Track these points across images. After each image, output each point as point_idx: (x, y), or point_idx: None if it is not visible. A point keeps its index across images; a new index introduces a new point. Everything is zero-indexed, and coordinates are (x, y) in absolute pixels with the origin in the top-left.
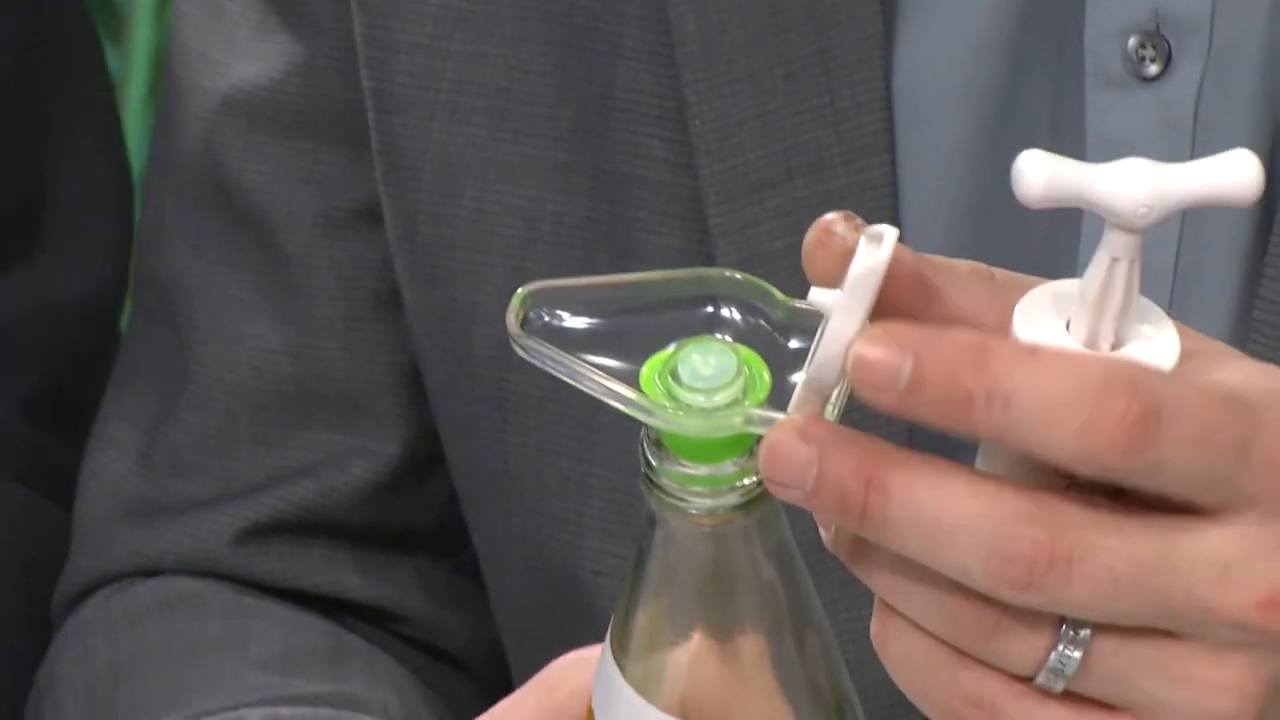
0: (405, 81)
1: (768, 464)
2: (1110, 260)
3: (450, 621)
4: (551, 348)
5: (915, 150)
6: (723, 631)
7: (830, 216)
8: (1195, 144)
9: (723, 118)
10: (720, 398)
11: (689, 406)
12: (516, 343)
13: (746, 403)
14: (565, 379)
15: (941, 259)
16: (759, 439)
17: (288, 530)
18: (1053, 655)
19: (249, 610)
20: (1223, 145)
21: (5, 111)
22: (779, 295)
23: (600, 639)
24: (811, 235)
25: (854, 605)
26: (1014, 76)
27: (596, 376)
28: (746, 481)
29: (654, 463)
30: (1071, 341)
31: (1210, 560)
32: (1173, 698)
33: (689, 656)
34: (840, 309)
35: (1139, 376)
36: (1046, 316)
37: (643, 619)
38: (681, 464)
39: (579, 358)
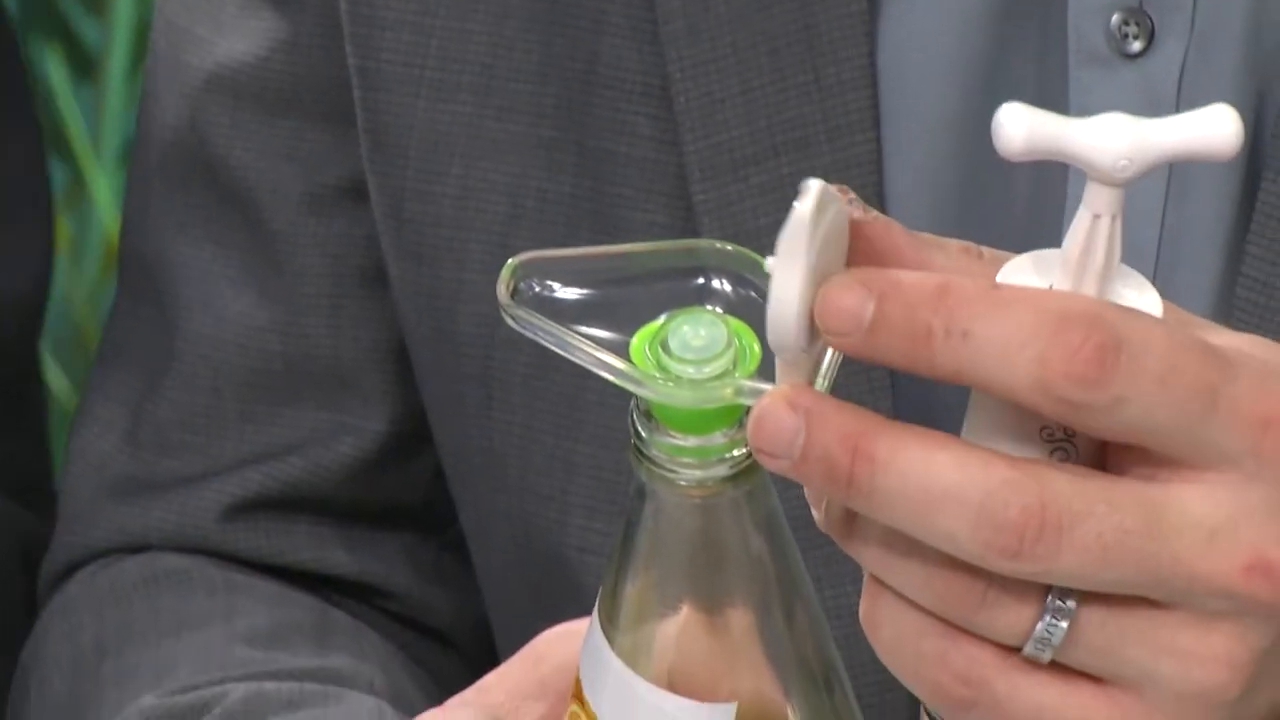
0: (390, 59)
1: (756, 433)
2: (1092, 217)
3: (437, 598)
4: (541, 318)
5: (900, 126)
6: (711, 603)
7: (827, 188)
8: None
9: (707, 94)
10: (710, 369)
11: (679, 378)
12: (507, 312)
13: (736, 374)
14: (555, 349)
15: (931, 236)
16: (749, 410)
17: (274, 507)
18: (1040, 625)
19: (235, 586)
20: None
21: None
22: (769, 267)
23: (586, 615)
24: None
25: (839, 584)
26: (998, 53)
27: (586, 347)
28: (736, 453)
29: (643, 434)
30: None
31: (1196, 526)
32: (1160, 669)
33: (677, 628)
34: (777, 270)
35: (1100, 311)
36: (1029, 279)
37: (631, 591)
38: (671, 435)
39: (569, 328)
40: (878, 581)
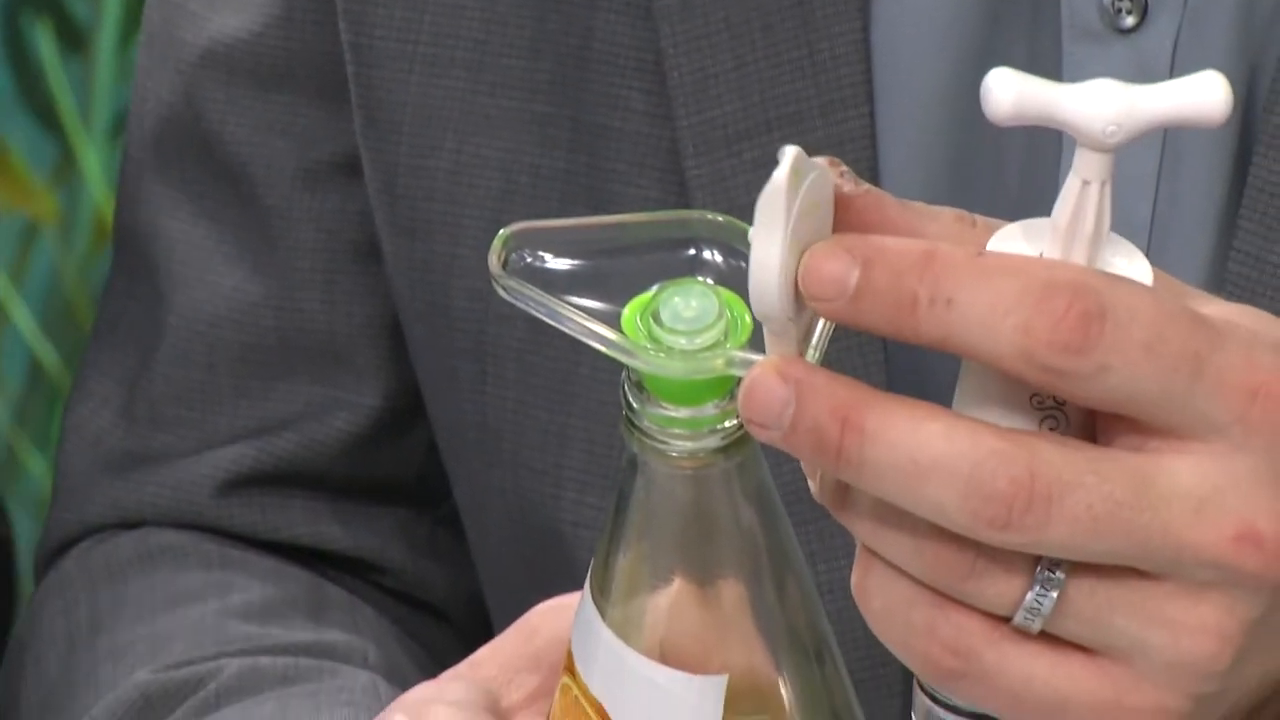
0: (384, 34)
1: (746, 403)
2: (1081, 184)
3: (431, 573)
4: (533, 288)
5: (894, 101)
6: (702, 575)
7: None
8: None
9: (700, 70)
10: (701, 340)
11: (670, 348)
12: (498, 283)
13: (728, 345)
14: (546, 320)
15: (924, 205)
16: (740, 382)
17: (269, 482)
18: (1029, 595)
19: (230, 561)
20: None
21: None
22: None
23: (580, 589)
24: None
25: (833, 558)
26: (991, 28)
27: (578, 317)
28: (727, 424)
29: (635, 405)
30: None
31: (1185, 496)
32: (1149, 639)
33: (668, 600)
34: (756, 237)
35: (1085, 279)
36: (1019, 247)
37: (623, 563)
38: (662, 406)
39: (560, 299)
40: (869, 552)
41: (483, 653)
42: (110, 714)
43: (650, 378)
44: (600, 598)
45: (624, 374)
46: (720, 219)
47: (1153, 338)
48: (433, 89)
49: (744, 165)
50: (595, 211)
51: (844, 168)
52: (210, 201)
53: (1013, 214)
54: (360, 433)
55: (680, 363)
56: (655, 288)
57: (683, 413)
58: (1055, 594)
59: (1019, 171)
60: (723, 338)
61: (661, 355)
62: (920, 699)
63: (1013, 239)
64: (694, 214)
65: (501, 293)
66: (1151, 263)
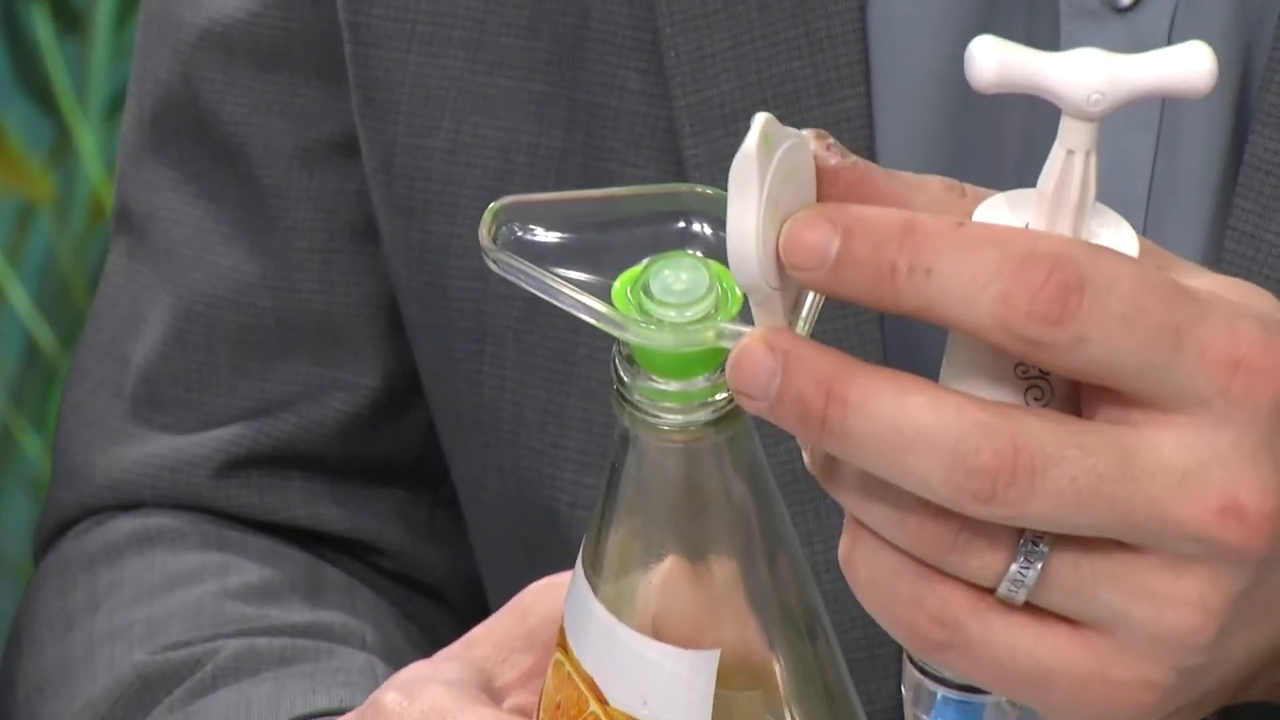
0: (381, 14)
1: (734, 373)
2: (1066, 153)
3: (429, 554)
4: (524, 262)
5: (890, 81)
6: (694, 550)
7: (803, 134)
8: None
9: (698, 49)
10: (692, 312)
11: (660, 321)
12: (489, 256)
13: (718, 317)
14: (537, 293)
15: (912, 175)
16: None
17: (267, 463)
18: (1013, 567)
19: (227, 543)
20: None
21: None
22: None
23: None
24: None
25: (829, 538)
26: (989, 7)
27: (568, 290)
28: (718, 397)
29: (626, 379)
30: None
31: (1169, 469)
32: (1133, 611)
33: (660, 575)
34: (731, 205)
35: (1065, 249)
36: (1004, 217)
37: (615, 538)
38: (653, 379)
39: (551, 272)
40: (857, 523)
41: (477, 632)
42: (108, 695)
43: (641, 351)
44: (592, 573)
45: (614, 348)
46: (710, 192)
47: (1132, 309)
48: (430, 68)
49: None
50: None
51: (831, 140)
52: (208, 181)
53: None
54: (358, 413)
55: (670, 335)
56: (645, 261)
57: (673, 386)
58: (1039, 566)
59: (1016, 150)
60: (713, 310)
61: (652, 328)
62: (910, 672)
63: (998, 209)
64: (684, 187)
65: (492, 266)
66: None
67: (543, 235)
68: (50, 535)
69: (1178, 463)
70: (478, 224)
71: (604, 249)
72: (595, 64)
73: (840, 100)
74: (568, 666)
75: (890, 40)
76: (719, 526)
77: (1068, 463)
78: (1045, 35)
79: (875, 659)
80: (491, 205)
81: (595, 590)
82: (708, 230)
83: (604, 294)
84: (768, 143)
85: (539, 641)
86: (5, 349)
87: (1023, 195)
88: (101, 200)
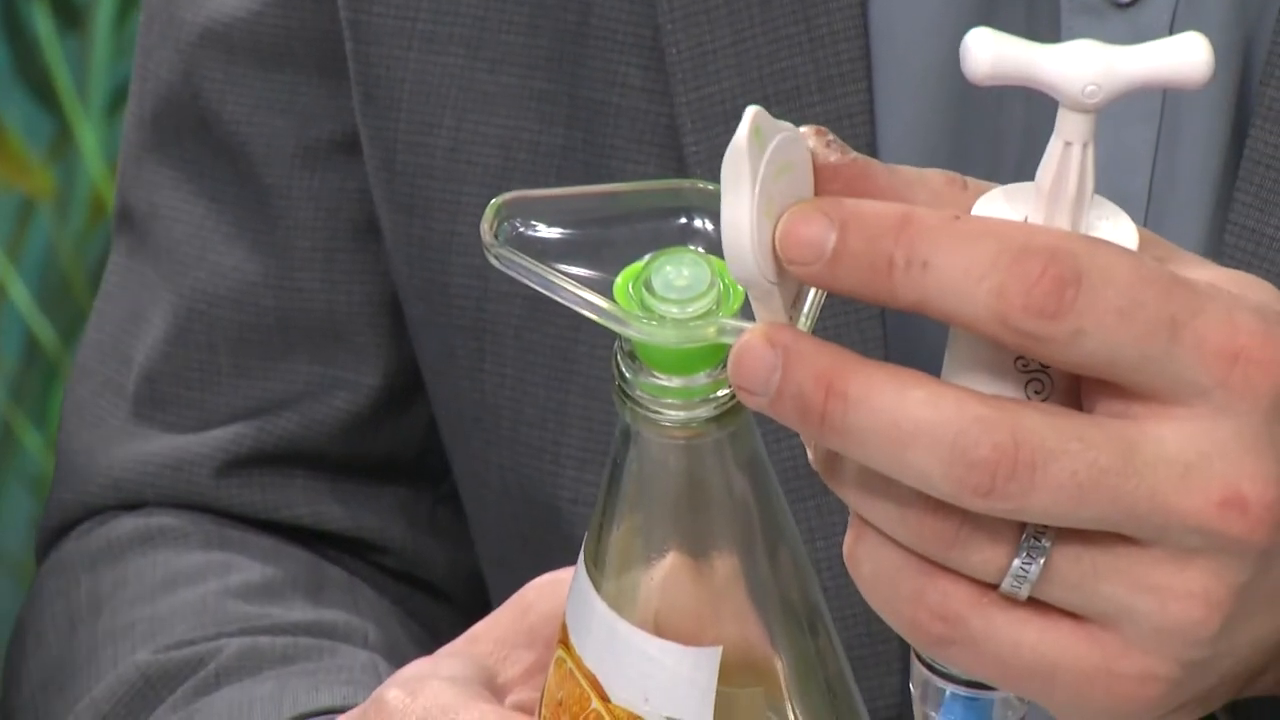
0: (382, 11)
1: (735, 368)
2: (1063, 145)
3: (431, 551)
4: (525, 257)
5: (891, 77)
6: (695, 546)
7: (802, 130)
8: None
9: (699, 45)
10: (693, 308)
11: (662, 317)
12: (490, 251)
13: (720, 313)
14: (539, 289)
15: (913, 170)
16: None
17: (269, 462)
18: (1015, 563)
19: (230, 541)
20: None
21: None
22: None
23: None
24: None
25: (831, 534)
26: (990, 3)
27: (570, 286)
28: (720, 393)
29: (628, 375)
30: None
31: (1171, 461)
32: (1136, 605)
33: (662, 572)
34: (724, 201)
35: (1061, 243)
36: (1002, 210)
37: (616, 535)
38: (655, 376)
39: (553, 268)
40: (861, 519)
41: (478, 628)
42: (111, 694)
43: (643, 347)
44: (594, 570)
45: (616, 344)
46: (711, 187)
47: (1128, 302)
48: (431, 66)
49: None
50: None
51: (831, 136)
52: (209, 180)
53: None
54: (360, 412)
55: (672, 331)
56: (647, 256)
57: (675, 382)
58: (1041, 561)
59: (1017, 146)
60: (714, 306)
61: (654, 324)
62: (918, 669)
63: (996, 202)
64: (685, 183)
65: (494, 261)
66: None
67: (544, 231)
68: (53, 535)
69: (1179, 455)
70: (479, 221)
71: (606, 245)
72: (596, 60)
73: (841, 96)
74: (569, 663)
75: (891, 36)
76: (721, 523)
77: (1069, 456)
78: (1046, 31)
79: (877, 655)
80: (493, 201)
81: (597, 587)
82: (709, 226)
83: (606, 290)
84: (759, 136)
85: (540, 637)
86: (5, 345)
87: (1022, 189)
88: (102, 196)
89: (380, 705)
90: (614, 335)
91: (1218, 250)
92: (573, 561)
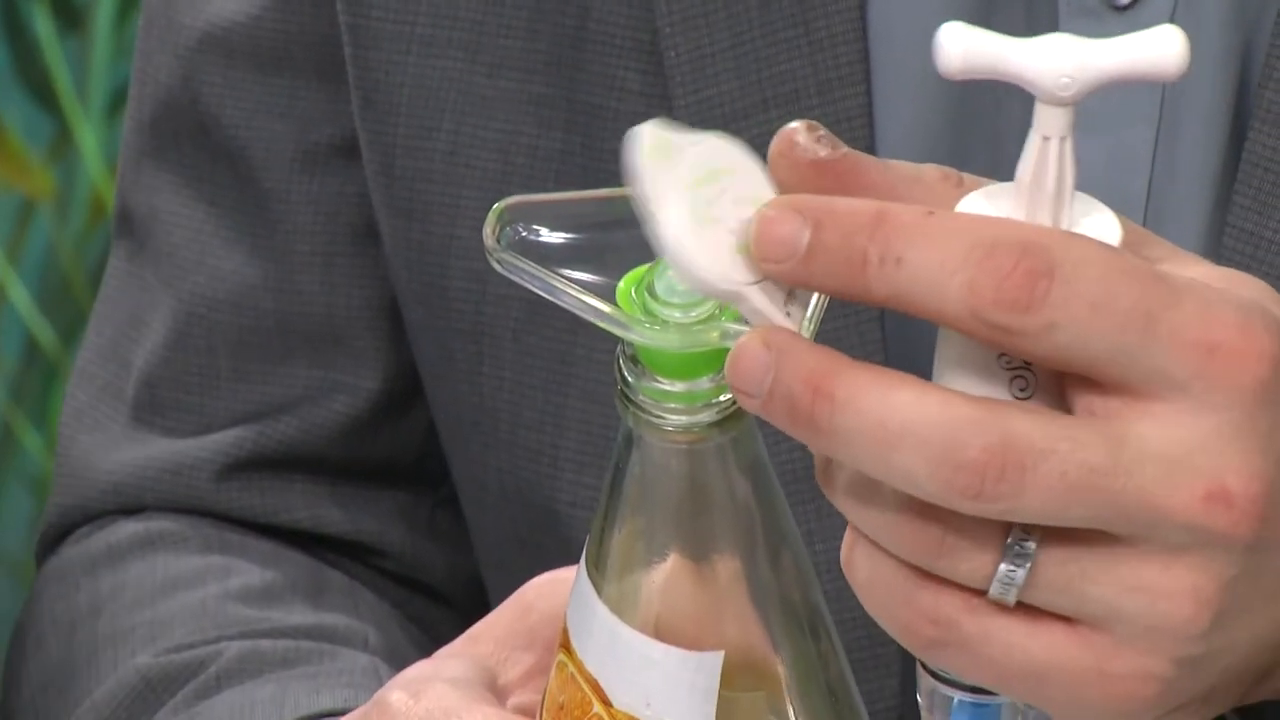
0: (381, 16)
1: (731, 370)
2: (1041, 139)
3: (431, 555)
4: (528, 262)
5: (890, 80)
6: (698, 550)
7: (793, 126)
8: None
9: (697, 49)
10: (696, 313)
11: (665, 321)
12: (492, 256)
13: (722, 318)
14: (541, 294)
15: (909, 165)
16: None
17: (269, 466)
18: (1001, 568)
19: (229, 545)
20: (1194, 74)
21: None
22: None
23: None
24: (774, 145)
25: (831, 537)
26: (988, 5)
27: (573, 291)
28: (722, 398)
29: (630, 379)
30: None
31: (1156, 458)
32: (1125, 605)
33: (664, 576)
34: (652, 224)
35: (1033, 236)
36: (983, 209)
37: (618, 538)
38: (658, 380)
39: (555, 272)
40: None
41: (478, 628)
42: (111, 698)
43: (645, 351)
44: (596, 574)
45: (619, 348)
46: None
47: (1102, 294)
48: (430, 70)
49: (770, 141)
50: None
51: (822, 132)
52: (209, 185)
53: None
54: (359, 416)
55: (675, 335)
56: (650, 261)
57: (678, 386)
58: (1027, 566)
59: (1016, 148)
60: (717, 310)
61: (656, 328)
62: (924, 678)
63: (977, 202)
64: None
65: (496, 266)
66: None
67: (547, 236)
68: (53, 539)
69: (1164, 452)
70: (478, 225)
71: (608, 249)
72: (594, 65)
73: (840, 100)
74: (571, 667)
75: (890, 39)
76: (723, 526)
77: (1058, 457)
78: (1043, 32)
79: (877, 658)
80: (495, 205)
81: (599, 591)
82: None
83: (608, 294)
84: (661, 151)
85: (540, 638)
86: (5, 346)
87: (1003, 188)
88: (102, 197)
89: (383, 707)
90: (614, 339)
91: (1216, 253)
92: (571, 564)
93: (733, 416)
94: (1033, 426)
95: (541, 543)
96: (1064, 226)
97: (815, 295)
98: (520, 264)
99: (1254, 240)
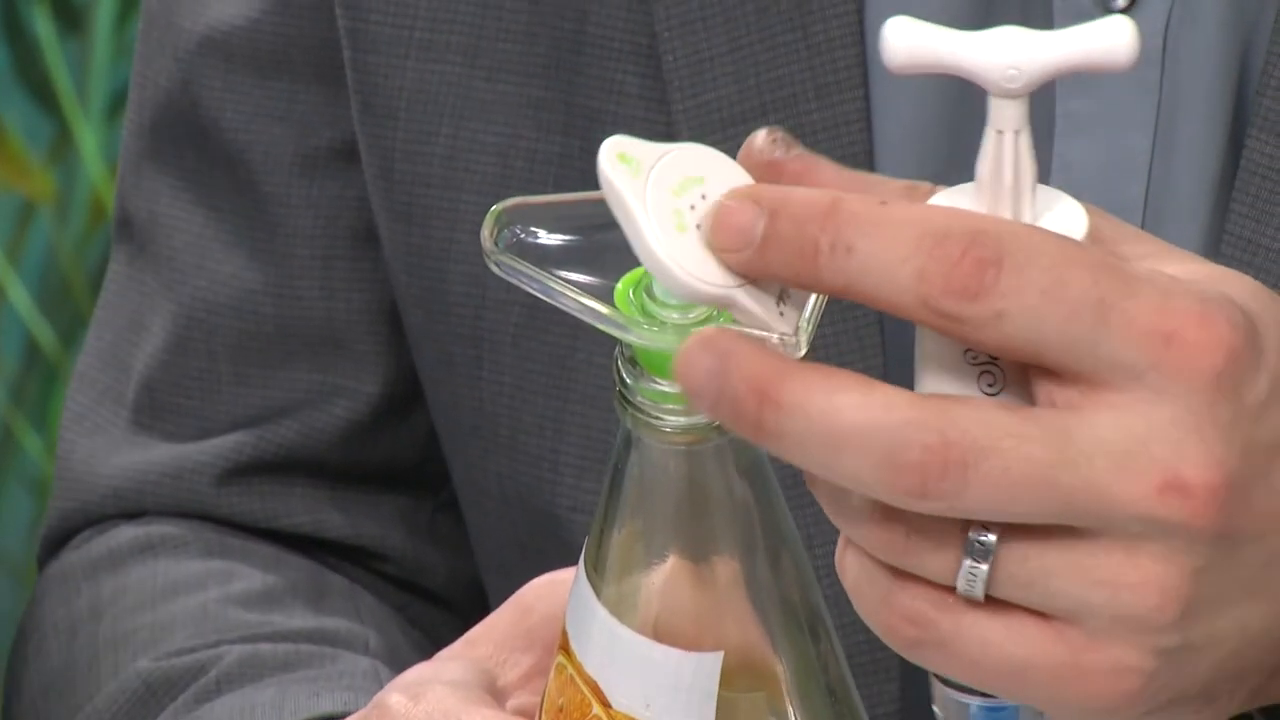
0: (380, 20)
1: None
2: (995, 134)
3: (431, 559)
4: (526, 264)
5: (888, 84)
6: (697, 551)
7: (758, 132)
8: (1164, 75)
9: (695, 53)
10: (694, 314)
11: (663, 322)
12: (490, 258)
13: (721, 319)
14: (539, 295)
15: (874, 176)
16: None
17: (269, 470)
18: (964, 564)
19: (230, 549)
20: (1191, 76)
21: None
22: None
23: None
24: (740, 151)
25: (830, 541)
26: (985, 9)
27: (571, 292)
28: None
29: (629, 381)
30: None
31: (1108, 449)
32: (1090, 598)
33: (663, 577)
34: (626, 234)
35: (982, 225)
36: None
37: (617, 540)
38: (656, 381)
39: (553, 274)
40: None
41: (478, 630)
42: (112, 702)
43: (644, 352)
44: (595, 576)
45: (617, 350)
46: None
47: (1052, 282)
48: (429, 74)
49: (739, 149)
50: None
51: (780, 134)
52: (208, 189)
53: None
54: (360, 420)
55: (673, 336)
56: None
57: (676, 388)
58: (988, 561)
59: None
60: (715, 311)
61: (654, 329)
62: (938, 688)
63: (940, 199)
64: None
65: (494, 268)
66: None
67: (545, 237)
68: (53, 544)
69: (1117, 442)
70: (477, 230)
71: (606, 251)
72: (593, 68)
73: (839, 103)
74: (570, 669)
75: None
76: (722, 527)
77: (999, 453)
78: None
79: (877, 663)
80: (493, 208)
81: (598, 592)
82: None
83: (606, 296)
84: (627, 160)
85: (539, 640)
86: (6, 348)
87: (965, 187)
88: (102, 199)
89: (383, 710)
90: (613, 342)
91: (1214, 259)
92: (571, 567)
93: None
94: (976, 423)
95: (542, 547)
96: (1026, 220)
97: (813, 295)
98: (518, 266)
99: (1251, 247)
